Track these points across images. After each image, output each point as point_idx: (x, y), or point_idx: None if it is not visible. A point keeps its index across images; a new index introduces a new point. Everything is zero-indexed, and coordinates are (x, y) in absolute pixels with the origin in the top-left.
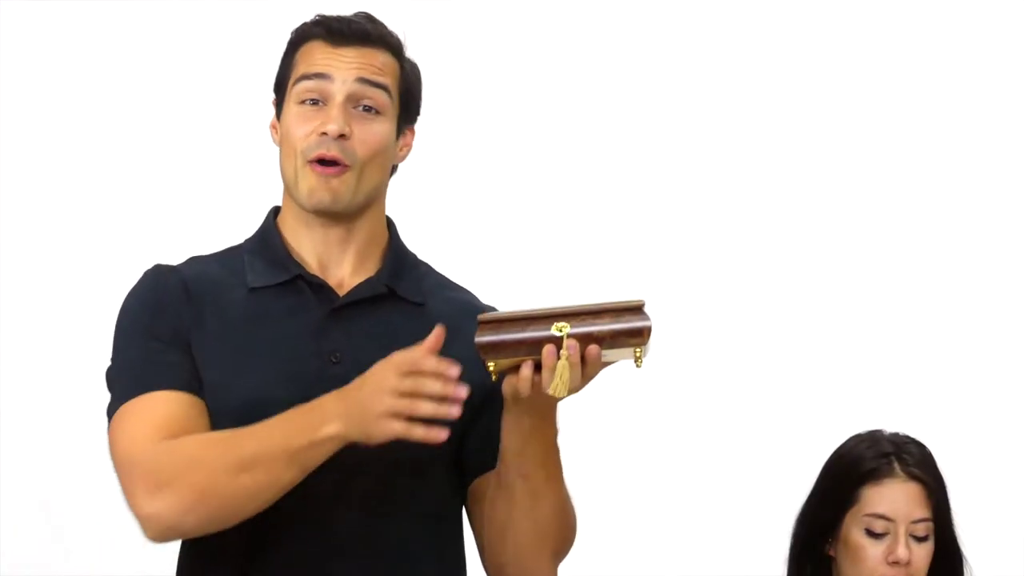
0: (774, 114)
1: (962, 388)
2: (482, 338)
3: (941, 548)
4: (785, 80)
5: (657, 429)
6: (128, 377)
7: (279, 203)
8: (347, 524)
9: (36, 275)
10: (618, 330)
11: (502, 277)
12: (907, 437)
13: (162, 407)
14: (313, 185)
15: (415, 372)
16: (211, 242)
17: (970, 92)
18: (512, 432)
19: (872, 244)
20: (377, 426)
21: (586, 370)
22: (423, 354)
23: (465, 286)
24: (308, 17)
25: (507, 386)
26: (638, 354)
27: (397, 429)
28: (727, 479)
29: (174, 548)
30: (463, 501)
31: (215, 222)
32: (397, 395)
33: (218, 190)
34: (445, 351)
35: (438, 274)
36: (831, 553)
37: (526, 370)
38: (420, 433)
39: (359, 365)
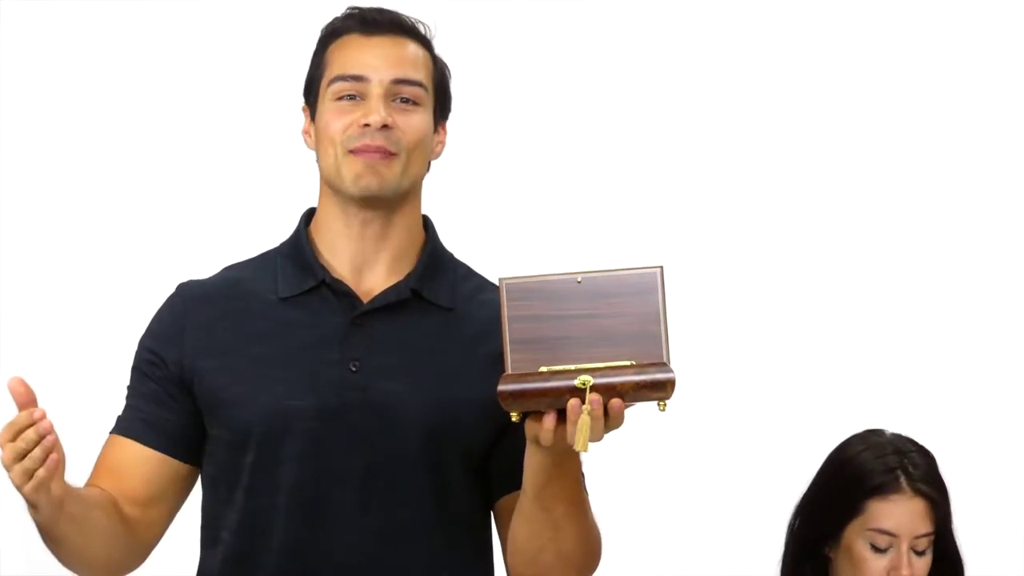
0: (773, 117)
1: (962, 387)
2: (504, 387)
3: (939, 555)
4: (781, 89)
5: (658, 430)
6: (123, 410)
7: (301, 208)
8: (362, 520)
9: (42, 278)
10: (641, 382)
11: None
12: (911, 443)
13: (125, 463)
14: (359, 171)
15: (13, 433)
16: (233, 248)
17: (970, 92)
18: (534, 470)
19: (873, 244)
20: (22, 491)
21: (609, 423)
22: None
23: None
24: (326, 18)
25: (529, 430)
26: (662, 406)
27: (27, 490)
28: (726, 479)
29: (174, 550)
30: (489, 512)
31: (236, 228)
32: (11, 462)
33: (241, 195)
34: (475, 356)
35: (479, 276)
36: (829, 555)
37: (548, 422)
38: (29, 489)
39: (378, 372)
